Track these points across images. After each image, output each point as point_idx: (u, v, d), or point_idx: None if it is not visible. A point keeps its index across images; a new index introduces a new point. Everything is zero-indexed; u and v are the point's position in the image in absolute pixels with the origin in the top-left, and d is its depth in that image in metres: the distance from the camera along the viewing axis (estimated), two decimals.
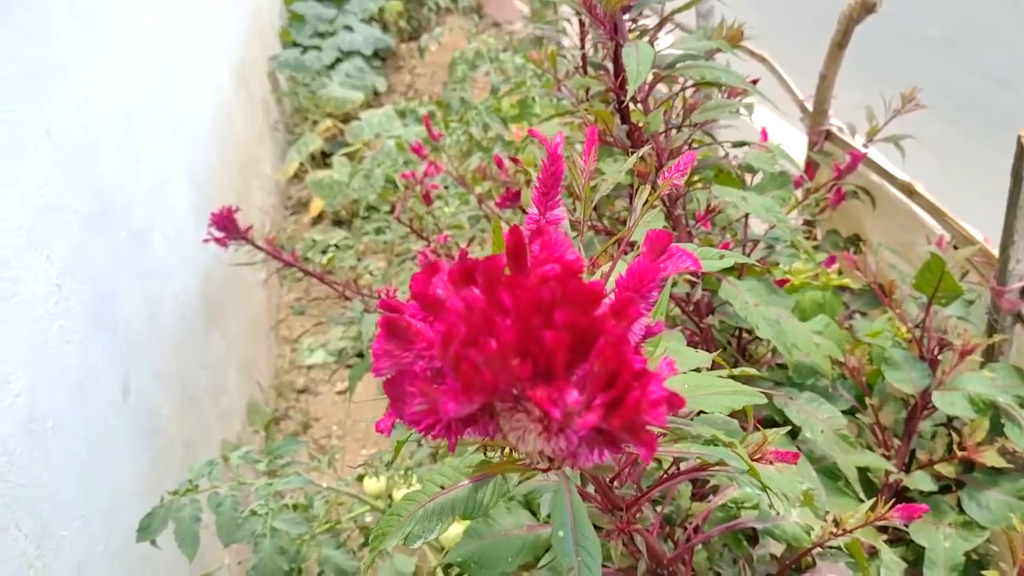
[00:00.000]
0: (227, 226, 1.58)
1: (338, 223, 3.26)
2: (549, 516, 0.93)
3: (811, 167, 1.75)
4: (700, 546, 1.00)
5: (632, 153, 1.22)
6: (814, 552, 0.97)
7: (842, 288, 1.56)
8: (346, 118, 3.92)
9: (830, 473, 1.21)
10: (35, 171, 1.46)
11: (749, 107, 1.33)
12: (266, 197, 3.28)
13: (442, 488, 0.59)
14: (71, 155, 1.62)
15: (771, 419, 1.24)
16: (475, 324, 0.31)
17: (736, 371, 0.70)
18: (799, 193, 1.53)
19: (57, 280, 1.46)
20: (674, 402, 0.34)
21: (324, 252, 3.10)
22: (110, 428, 1.57)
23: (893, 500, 0.96)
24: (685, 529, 0.98)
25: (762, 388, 1.23)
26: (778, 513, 0.93)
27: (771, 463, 0.71)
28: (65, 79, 1.66)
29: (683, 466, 0.78)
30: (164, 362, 1.92)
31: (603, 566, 0.94)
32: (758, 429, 0.76)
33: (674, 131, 1.18)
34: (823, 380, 1.29)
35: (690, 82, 1.22)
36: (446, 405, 0.31)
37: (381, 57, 4.66)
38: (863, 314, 1.56)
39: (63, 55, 1.67)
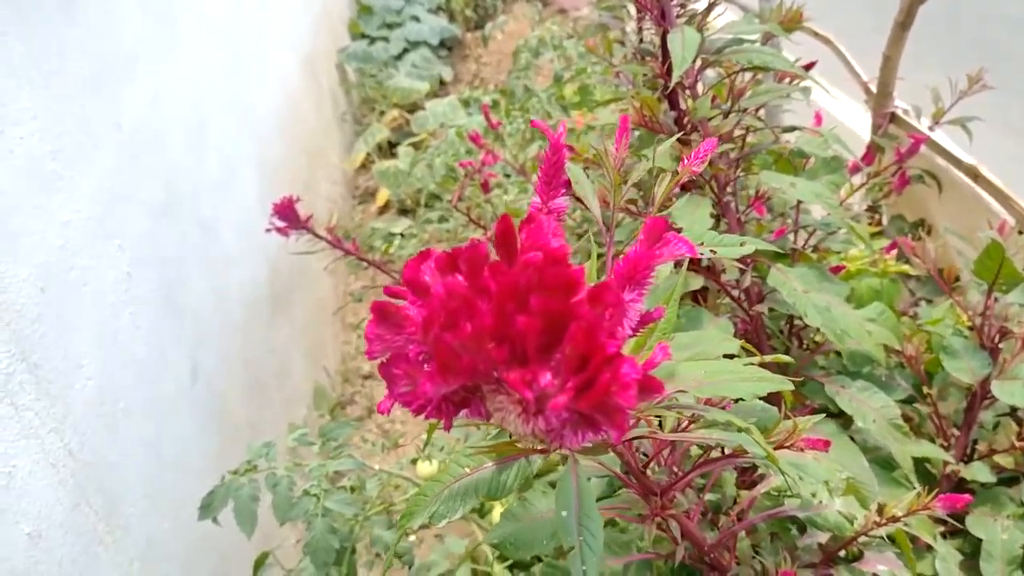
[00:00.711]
0: (289, 216, 1.62)
1: (404, 212, 3.30)
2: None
3: (875, 151, 1.71)
4: (744, 534, 1.00)
5: (681, 140, 1.22)
6: (860, 542, 0.96)
7: (907, 275, 1.53)
8: (412, 108, 3.97)
9: (885, 463, 1.19)
10: (106, 163, 1.52)
11: (805, 91, 1.31)
12: (333, 187, 3.35)
13: (467, 470, 0.61)
14: (141, 147, 1.69)
15: (826, 408, 1.23)
16: (453, 309, 0.32)
17: (768, 358, 0.70)
18: (859, 178, 1.50)
19: (128, 268, 1.53)
20: (650, 386, 0.35)
21: (389, 241, 3.15)
22: (178, 411, 1.63)
23: (949, 491, 0.94)
24: (729, 516, 0.98)
25: (813, 377, 1.22)
26: (821, 502, 0.92)
27: (802, 450, 0.71)
28: (135, 74, 1.72)
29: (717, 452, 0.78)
30: (231, 348, 1.99)
31: (637, 551, 0.94)
32: (789, 417, 0.76)
33: (723, 116, 1.17)
34: (880, 369, 1.27)
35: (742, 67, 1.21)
36: (424, 387, 0.32)
37: (448, 47, 4.70)
38: (929, 301, 1.52)
39: (133, 51, 1.74)
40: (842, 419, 1.21)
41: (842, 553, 0.95)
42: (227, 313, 2.00)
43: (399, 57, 4.29)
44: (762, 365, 0.82)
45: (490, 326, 0.32)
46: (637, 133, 1.22)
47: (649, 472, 0.82)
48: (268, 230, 1.62)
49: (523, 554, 0.80)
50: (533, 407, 0.33)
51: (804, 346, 1.31)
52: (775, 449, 0.71)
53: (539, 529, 0.81)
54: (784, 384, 0.66)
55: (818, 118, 1.32)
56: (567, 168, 0.79)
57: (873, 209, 1.75)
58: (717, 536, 0.93)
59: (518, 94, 3.34)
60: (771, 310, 1.22)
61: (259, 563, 1.29)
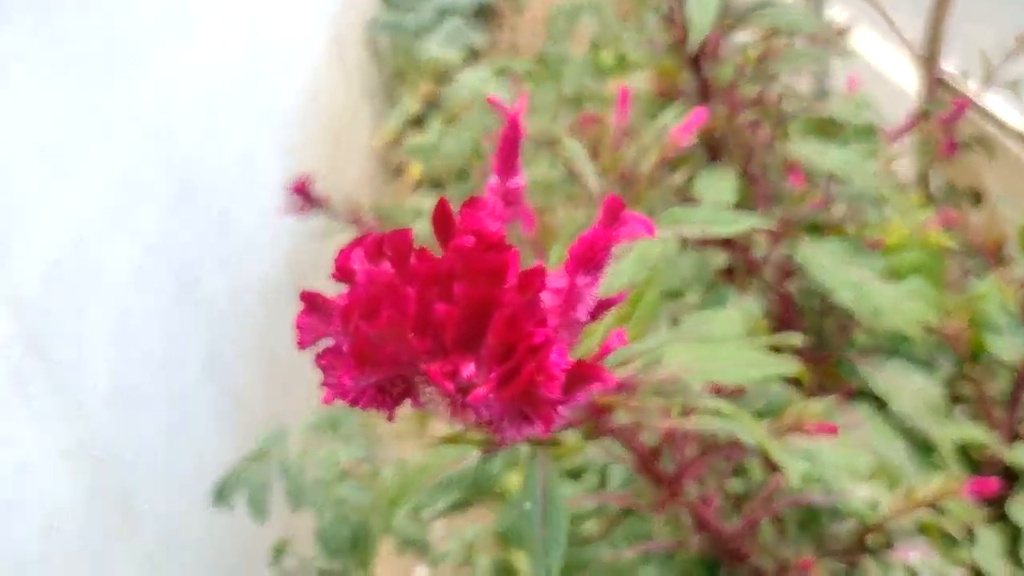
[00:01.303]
0: (304, 195, 1.64)
1: (436, 187, 3.31)
2: (603, 486, 0.95)
3: (922, 116, 1.67)
4: (769, 523, 1.00)
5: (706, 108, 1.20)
6: (892, 530, 0.94)
7: (952, 248, 1.49)
8: (444, 79, 3.96)
9: (923, 447, 1.17)
10: (120, 153, 1.55)
11: (846, 53, 1.29)
12: (363, 165, 3.37)
13: (451, 460, 0.61)
14: (155, 137, 1.72)
15: (863, 389, 1.21)
16: (372, 297, 0.32)
17: (772, 339, 0.69)
18: (905, 145, 1.46)
19: (142, 259, 1.56)
20: (587, 375, 0.35)
21: (421, 217, 3.16)
22: (194, 401, 1.67)
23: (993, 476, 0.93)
24: (750, 504, 0.97)
25: (847, 356, 1.20)
26: (843, 488, 0.91)
27: (810, 435, 0.70)
28: (150, 62, 1.75)
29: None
30: (249, 336, 2.02)
31: (648, 541, 0.94)
32: (814, 395, 0.75)
33: (747, 84, 1.15)
34: (922, 347, 1.25)
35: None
36: (342, 378, 0.32)
37: (482, 15, 4.67)
38: (978, 275, 1.48)
39: (150, 37, 1.76)
40: (879, 400, 1.19)
41: (871, 541, 0.94)
42: (246, 301, 2.03)
43: (431, 27, 4.28)
44: (773, 347, 0.81)
45: (409, 315, 0.32)
46: (659, 102, 1.21)
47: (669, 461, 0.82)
48: (282, 212, 1.64)
49: (523, 545, 0.80)
50: (457, 399, 0.33)
51: (842, 325, 1.28)
52: (784, 434, 0.71)
53: None
54: (786, 367, 0.65)
55: (852, 82, 1.29)
56: (564, 143, 0.79)
57: (922, 178, 1.71)
58: (736, 525, 0.93)
59: (552, 62, 3.31)
60: (802, 287, 1.20)
61: (278, 550, 1.32)
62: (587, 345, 0.43)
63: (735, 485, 1.12)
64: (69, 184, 1.36)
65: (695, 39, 1.03)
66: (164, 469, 1.44)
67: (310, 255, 2.53)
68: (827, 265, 1.10)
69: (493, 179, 0.45)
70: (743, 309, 1.15)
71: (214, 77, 2.11)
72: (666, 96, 1.17)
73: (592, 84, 2.77)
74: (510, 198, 0.45)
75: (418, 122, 3.76)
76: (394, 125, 3.66)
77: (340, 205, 1.72)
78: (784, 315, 1.22)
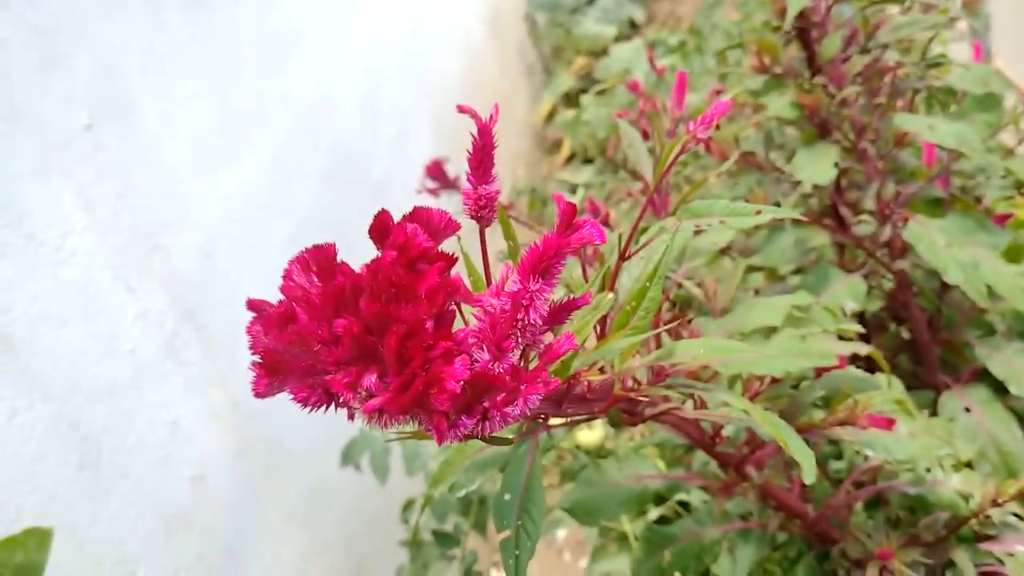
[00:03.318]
0: (438, 177, 1.68)
1: (587, 162, 3.30)
2: (670, 467, 0.93)
3: None
4: (860, 508, 0.95)
5: (811, 84, 1.13)
6: (995, 522, 0.88)
7: None
8: (600, 54, 3.92)
9: None
10: (272, 135, 1.64)
11: (969, 21, 1.18)
12: (519, 141, 3.40)
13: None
14: (309, 116, 1.80)
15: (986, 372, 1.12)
16: (284, 311, 0.34)
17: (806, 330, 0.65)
18: None
19: (294, 235, 1.65)
20: (493, 384, 0.35)
21: (573, 192, 3.16)
22: None
23: None
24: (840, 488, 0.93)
25: (966, 339, 1.12)
26: (936, 479, 0.85)
27: (864, 428, 0.66)
28: (304, 46, 1.83)
29: None
30: None
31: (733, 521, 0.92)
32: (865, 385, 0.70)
33: (856, 56, 1.08)
34: None
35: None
36: (256, 385, 0.34)
37: None
38: None
39: (301, 23, 1.84)
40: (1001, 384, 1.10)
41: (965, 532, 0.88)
42: None
43: (590, 2, 4.24)
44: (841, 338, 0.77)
45: (314, 329, 0.33)
46: (763, 79, 1.15)
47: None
48: (419, 192, 1.69)
49: (593, 520, 0.81)
50: (358, 408, 0.34)
51: (961, 305, 1.19)
52: (836, 426, 0.67)
53: (611, 496, 0.81)
54: (827, 360, 0.61)
55: (977, 51, 1.18)
56: (622, 130, 0.77)
57: None
58: (821, 509, 0.89)
59: (706, 33, 3.20)
60: (915, 265, 1.12)
61: (405, 508, 1.38)
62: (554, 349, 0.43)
63: (836, 466, 1.07)
64: (224, 168, 1.46)
65: (792, 11, 0.97)
66: (311, 428, 1.53)
67: (465, 222, 2.59)
68: (938, 243, 1.02)
69: (467, 185, 0.45)
70: (849, 287, 1.09)
71: (371, 57, 2.19)
72: (764, 73, 1.11)
73: (736, 55, 2.66)
74: (483, 203, 0.45)
75: (574, 98, 3.75)
76: (550, 101, 3.66)
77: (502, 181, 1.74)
78: (897, 295, 1.15)
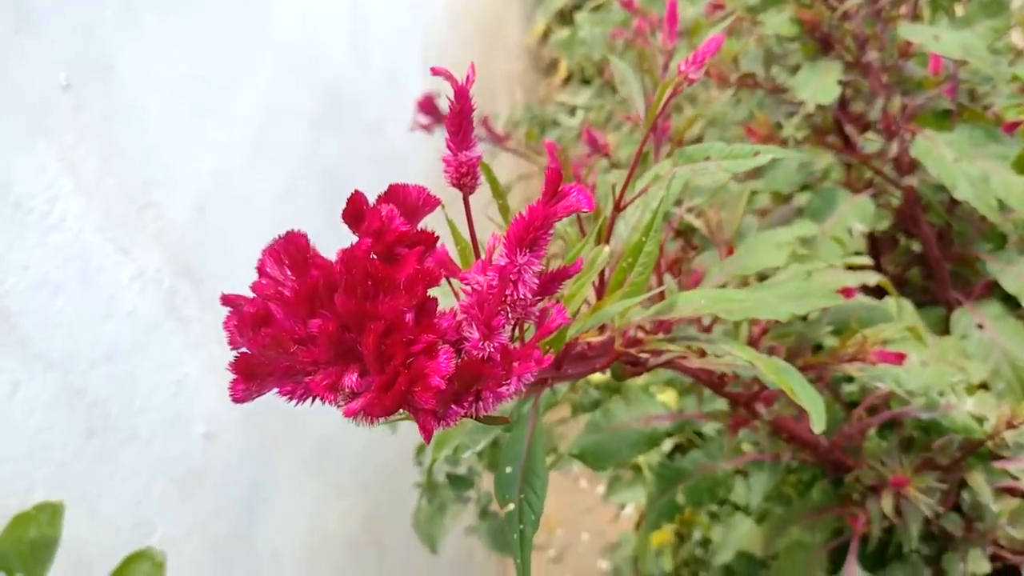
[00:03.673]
0: (431, 112, 1.64)
1: (586, 82, 3.23)
2: (681, 409, 0.92)
3: None
4: (874, 433, 0.94)
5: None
6: (1011, 443, 0.87)
7: None
8: None
9: None
10: (259, 81, 1.60)
11: None
12: (514, 63, 3.32)
13: None
14: (296, 59, 1.75)
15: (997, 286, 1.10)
16: (258, 312, 0.32)
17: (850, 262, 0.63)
18: None
19: (287, 183, 1.62)
20: (481, 373, 0.33)
21: (572, 114, 3.10)
22: None
23: None
24: (852, 416, 0.92)
25: (976, 254, 1.09)
26: (949, 403, 0.84)
27: (873, 364, 0.65)
28: None
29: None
30: None
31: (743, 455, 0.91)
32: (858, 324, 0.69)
33: None
34: None
35: None
36: (234, 389, 0.32)
37: None
38: None
39: None
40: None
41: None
42: None
43: None
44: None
45: (290, 329, 0.32)
46: None
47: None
48: (411, 129, 1.66)
49: (604, 464, 0.80)
50: (342, 406, 0.32)
51: (972, 218, 1.16)
52: (845, 362, 0.66)
53: (621, 439, 0.81)
54: (829, 300, 0.59)
55: None
56: (613, 65, 0.74)
57: None
58: (834, 438, 0.88)
59: None
60: (926, 180, 1.09)
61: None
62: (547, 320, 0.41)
63: (850, 389, 1.06)
64: (211, 119, 1.42)
65: None
66: None
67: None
68: (947, 158, 0.99)
69: (447, 152, 0.43)
70: (856, 207, 1.06)
71: None
72: None
73: None
74: (464, 169, 0.43)
75: (568, 16, 3.65)
76: (543, 20, 3.57)
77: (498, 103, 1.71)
78: (906, 211, 1.12)
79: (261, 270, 0.35)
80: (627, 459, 0.81)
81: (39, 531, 0.78)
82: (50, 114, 1.09)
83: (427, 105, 1.63)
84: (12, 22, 1.06)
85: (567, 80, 3.40)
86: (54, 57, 1.11)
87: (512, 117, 2.70)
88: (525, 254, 0.37)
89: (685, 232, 1.10)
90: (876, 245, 1.22)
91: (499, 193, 0.50)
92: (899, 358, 0.64)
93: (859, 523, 0.88)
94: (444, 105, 1.63)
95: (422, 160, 2.29)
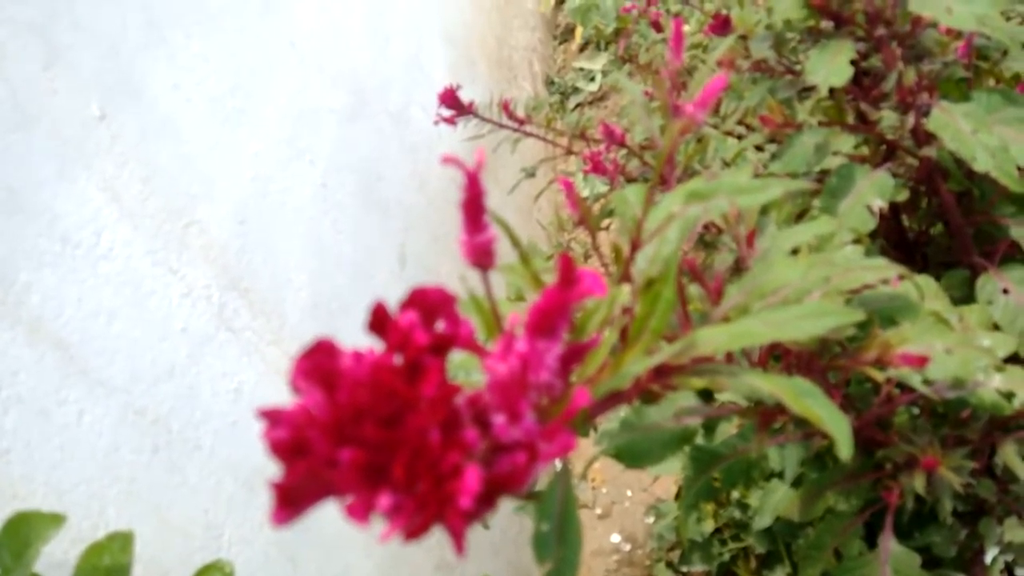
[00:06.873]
0: (453, 104, 1.63)
1: (601, 49, 3.17)
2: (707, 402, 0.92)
3: None
4: (903, 408, 0.93)
5: None
6: None
7: None
8: None
9: None
10: (287, 84, 1.60)
11: None
12: (530, 34, 3.27)
13: None
14: (320, 58, 1.75)
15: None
16: (292, 440, 0.32)
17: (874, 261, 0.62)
18: None
19: (323, 179, 1.63)
20: (508, 482, 0.34)
21: (592, 80, 3.06)
22: (391, 296, 1.75)
23: None
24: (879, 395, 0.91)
25: (998, 219, 1.07)
26: (976, 380, 0.83)
27: (896, 367, 0.64)
28: None
29: None
30: (439, 224, 2.08)
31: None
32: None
33: None
34: None
35: None
36: (277, 517, 0.33)
37: None
38: None
39: None
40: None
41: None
42: (430, 193, 2.08)
43: None
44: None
45: (322, 458, 0.32)
46: None
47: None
48: (436, 123, 1.64)
49: (639, 463, 0.80)
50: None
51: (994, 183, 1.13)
52: (867, 365, 0.65)
53: (653, 439, 0.81)
54: (852, 316, 0.59)
55: None
56: (624, 85, 0.73)
57: None
58: (863, 416, 0.88)
59: None
60: (940, 150, 1.06)
61: None
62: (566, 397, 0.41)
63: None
64: (243, 128, 1.43)
65: None
66: None
67: (492, 134, 2.53)
68: (964, 131, 0.96)
69: (463, 237, 0.43)
70: (875, 184, 1.04)
71: None
72: None
73: None
74: (480, 251, 0.43)
75: None
76: None
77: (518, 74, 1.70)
78: (925, 179, 1.09)
79: (294, 385, 0.35)
80: (661, 458, 0.81)
81: (112, 559, 0.80)
82: (87, 145, 1.11)
83: (449, 97, 1.62)
84: (40, 59, 1.07)
85: (584, 47, 3.35)
86: (84, 88, 1.12)
87: (533, 98, 2.67)
88: (544, 340, 0.37)
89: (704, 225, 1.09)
90: (897, 211, 1.20)
91: (516, 242, 0.50)
92: (922, 362, 0.63)
93: (892, 496, 0.88)
94: (466, 80, 1.62)
95: (451, 141, 2.28)
